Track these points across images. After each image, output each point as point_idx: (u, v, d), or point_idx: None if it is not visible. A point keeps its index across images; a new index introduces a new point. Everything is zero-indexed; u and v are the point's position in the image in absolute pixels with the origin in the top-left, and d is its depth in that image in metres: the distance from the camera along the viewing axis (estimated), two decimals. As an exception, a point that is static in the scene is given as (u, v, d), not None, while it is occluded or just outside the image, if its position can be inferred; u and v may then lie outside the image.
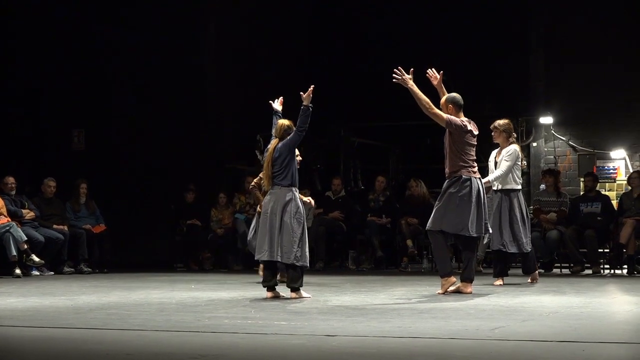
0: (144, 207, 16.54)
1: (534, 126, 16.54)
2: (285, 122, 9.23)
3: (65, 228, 14.04)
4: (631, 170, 15.15)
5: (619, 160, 16.14)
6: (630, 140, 16.11)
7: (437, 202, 9.56)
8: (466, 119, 9.49)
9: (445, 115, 9.30)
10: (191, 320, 6.93)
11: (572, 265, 13.72)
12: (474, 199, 9.28)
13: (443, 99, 9.54)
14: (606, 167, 16.13)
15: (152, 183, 16.77)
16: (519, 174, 11.02)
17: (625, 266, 13.44)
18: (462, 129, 9.34)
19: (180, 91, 16.99)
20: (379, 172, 16.08)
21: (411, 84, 9.14)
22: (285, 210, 8.93)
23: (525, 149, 16.69)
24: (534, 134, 16.55)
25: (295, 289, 8.97)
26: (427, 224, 9.49)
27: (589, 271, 13.44)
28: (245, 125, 16.82)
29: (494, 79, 16.78)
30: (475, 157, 9.52)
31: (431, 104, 9.22)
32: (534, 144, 16.64)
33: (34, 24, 17.64)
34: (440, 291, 9.31)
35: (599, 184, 14.60)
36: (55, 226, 13.95)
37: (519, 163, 11.02)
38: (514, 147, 10.88)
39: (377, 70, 17.86)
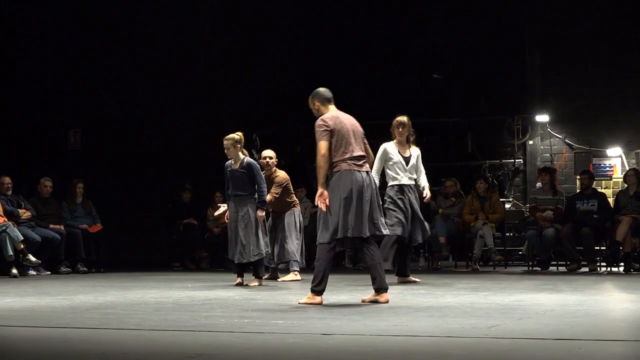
0: (140, 207, 16.55)
1: (530, 124, 16.56)
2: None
3: (62, 228, 14.01)
4: (627, 168, 15.16)
5: (615, 157, 16.16)
6: (626, 138, 16.13)
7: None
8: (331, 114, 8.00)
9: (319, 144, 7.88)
10: (187, 319, 6.92)
11: (568, 263, 13.71)
12: None
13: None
14: (602, 165, 16.14)
15: (148, 182, 16.77)
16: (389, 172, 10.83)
17: (622, 264, 13.44)
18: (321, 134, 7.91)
19: (177, 91, 17.01)
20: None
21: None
22: None
23: (522, 147, 16.72)
24: (530, 132, 16.57)
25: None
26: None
27: (586, 269, 13.43)
28: (241, 124, 16.81)
29: (491, 77, 16.76)
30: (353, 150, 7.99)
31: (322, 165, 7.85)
32: (530, 142, 16.65)
33: (30, 25, 17.64)
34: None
35: (595, 182, 14.58)
36: (51, 226, 13.92)
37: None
38: (383, 145, 10.79)
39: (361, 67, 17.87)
